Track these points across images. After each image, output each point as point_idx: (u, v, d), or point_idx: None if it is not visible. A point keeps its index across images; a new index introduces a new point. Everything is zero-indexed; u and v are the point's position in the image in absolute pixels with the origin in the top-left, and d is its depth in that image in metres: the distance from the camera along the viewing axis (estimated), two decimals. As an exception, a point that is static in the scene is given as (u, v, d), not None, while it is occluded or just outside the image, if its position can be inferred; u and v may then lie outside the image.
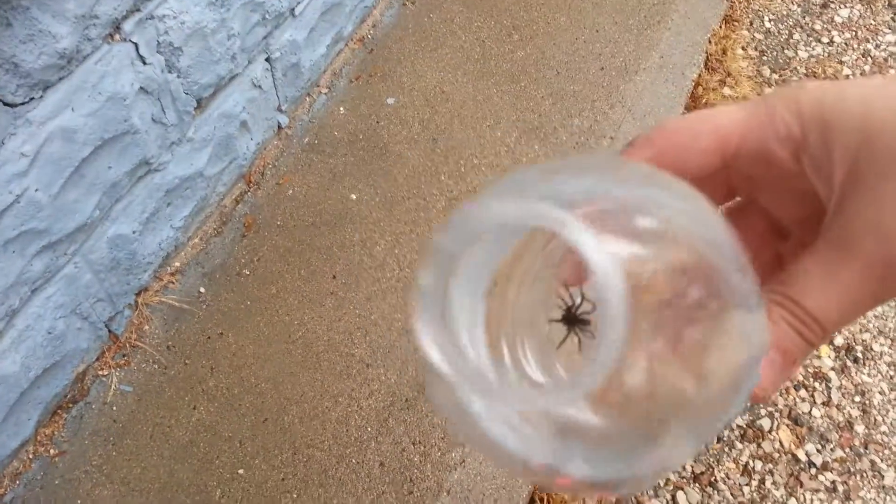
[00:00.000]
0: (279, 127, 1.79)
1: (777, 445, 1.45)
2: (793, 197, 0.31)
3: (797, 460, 1.43)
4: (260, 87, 1.65)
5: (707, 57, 2.16)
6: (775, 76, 2.21)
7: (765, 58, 2.27)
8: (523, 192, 0.25)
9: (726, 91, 2.12)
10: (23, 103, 1.10)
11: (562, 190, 0.25)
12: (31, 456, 1.28)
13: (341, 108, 1.88)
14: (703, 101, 2.07)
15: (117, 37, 1.22)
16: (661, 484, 1.39)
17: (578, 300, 0.34)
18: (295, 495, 1.26)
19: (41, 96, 1.12)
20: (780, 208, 0.33)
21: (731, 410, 0.25)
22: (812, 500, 1.38)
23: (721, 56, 2.20)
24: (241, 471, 1.28)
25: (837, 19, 2.36)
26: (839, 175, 0.28)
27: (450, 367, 0.23)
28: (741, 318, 0.25)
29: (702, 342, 0.25)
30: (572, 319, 0.34)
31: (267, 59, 1.65)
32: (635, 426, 0.26)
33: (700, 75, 2.11)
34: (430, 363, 0.23)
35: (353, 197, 1.68)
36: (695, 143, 0.30)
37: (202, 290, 1.51)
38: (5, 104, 1.07)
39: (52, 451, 1.28)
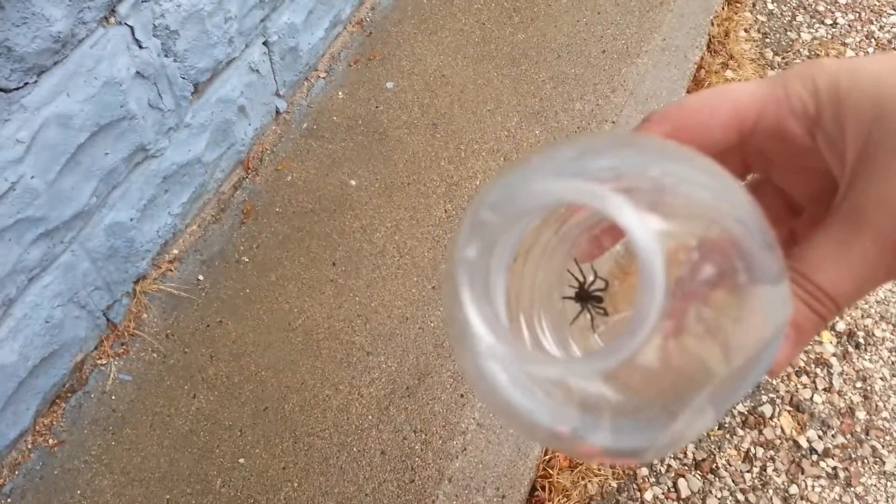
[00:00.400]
0: (277, 112, 1.76)
1: (778, 432, 1.44)
2: (807, 174, 0.31)
3: (798, 447, 1.43)
4: (258, 71, 1.62)
5: (709, 39, 2.14)
6: (778, 59, 2.19)
7: (767, 40, 2.24)
8: (557, 170, 0.25)
9: (729, 74, 2.10)
10: (17, 88, 1.08)
11: (595, 169, 0.25)
12: (29, 446, 1.27)
13: (340, 93, 1.85)
14: (706, 84, 2.05)
15: (112, 20, 1.20)
16: (663, 471, 1.39)
17: (591, 277, 0.34)
18: (296, 484, 1.26)
19: (35, 81, 1.10)
20: (795, 185, 0.33)
21: (751, 382, 0.25)
22: (813, 487, 1.38)
23: (723, 38, 2.17)
24: (241, 460, 1.28)
25: (841, 0, 2.34)
26: (852, 151, 0.28)
27: (494, 336, 0.23)
28: (766, 293, 0.25)
29: (727, 317, 0.26)
30: (585, 296, 0.35)
31: (265, 43, 1.63)
32: (657, 399, 0.27)
33: (702, 58, 2.08)
34: (473, 333, 0.24)
35: (353, 183, 1.67)
36: (712, 120, 0.30)
37: (201, 277, 1.49)
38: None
39: (50, 441, 1.28)
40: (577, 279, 0.35)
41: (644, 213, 0.23)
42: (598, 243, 0.34)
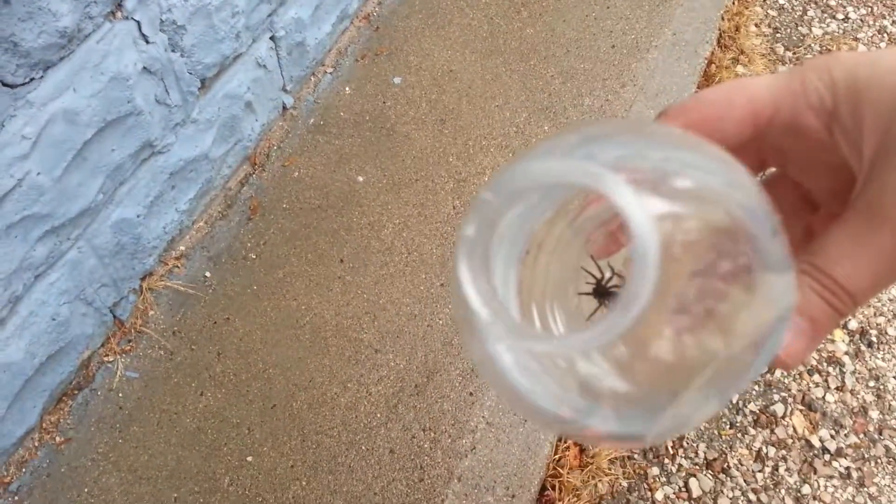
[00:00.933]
0: (284, 107, 1.75)
1: (791, 431, 1.43)
2: (824, 168, 0.31)
3: (811, 446, 1.41)
4: (265, 66, 1.61)
5: (720, 34, 2.12)
6: (789, 53, 2.16)
7: (778, 35, 2.22)
8: (560, 154, 0.26)
9: (739, 69, 2.08)
10: (23, 84, 1.07)
11: (598, 154, 0.25)
12: (36, 444, 1.26)
13: (347, 88, 1.84)
14: (717, 79, 2.02)
15: (119, 14, 1.19)
16: (674, 470, 1.38)
17: (608, 274, 0.34)
18: (304, 482, 1.25)
19: (42, 77, 1.09)
20: (812, 180, 0.32)
21: (754, 369, 0.26)
22: (826, 487, 1.36)
23: (734, 33, 2.15)
24: (249, 458, 1.27)
25: (853, -5, 2.31)
26: (870, 144, 0.27)
27: (488, 310, 0.24)
28: (770, 279, 0.25)
29: (729, 300, 0.26)
30: (602, 292, 0.34)
31: (272, 38, 1.62)
32: (659, 382, 0.27)
33: (713, 53, 2.06)
34: (469, 307, 0.24)
35: (360, 179, 1.66)
36: (728, 113, 0.29)
37: (208, 274, 1.48)
38: (5, 84, 1.04)
39: (57, 439, 1.27)
40: (593, 275, 0.34)
41: (642, 194, 0.23)
42: (615, 239, 0.34)
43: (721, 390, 0.25)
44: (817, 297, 0.27)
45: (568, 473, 1.29)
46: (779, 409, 1.46)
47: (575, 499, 1.28)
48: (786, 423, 1.44)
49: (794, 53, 2.17)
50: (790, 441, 1.42)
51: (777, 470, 1.39)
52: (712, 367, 0.25)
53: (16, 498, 1.22)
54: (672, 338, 0.26)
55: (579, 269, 0.35)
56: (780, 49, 2.18)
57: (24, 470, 1.24)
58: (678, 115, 0.30)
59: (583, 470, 1.32)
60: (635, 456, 1.38)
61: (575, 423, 0.27)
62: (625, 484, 1.35)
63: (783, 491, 1.36)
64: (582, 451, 1.35)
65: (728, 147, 0.29)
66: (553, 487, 1.28)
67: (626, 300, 0.22)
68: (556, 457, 1.31)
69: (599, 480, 1.33)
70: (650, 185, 0.24)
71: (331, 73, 1.86)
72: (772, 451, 1.41)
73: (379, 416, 1.32)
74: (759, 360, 0.25)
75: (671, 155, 0.26)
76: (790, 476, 1.38)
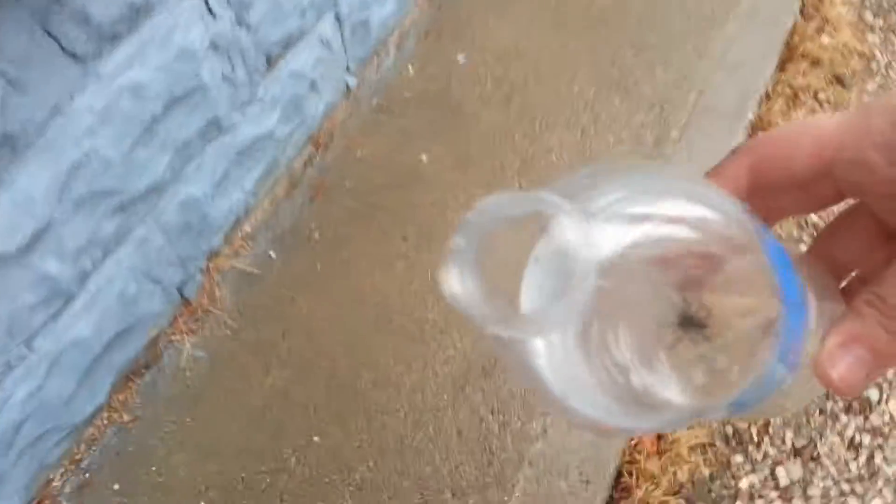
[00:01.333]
0: (347, 87, 1.73)
1: (886, 418, 1.33)
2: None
3: (911, 436, 1.31)
4: (329, 45, 1.59)
5: (802, 3, 2.00)
6: (879, 21, 2.02)
7: (866, 2, 2.08)
8: (558, 189, 0.28)
9: (825, 39, 1.95)
10: (93, 57, 1.07)
11: (576, 186, 0.28)
12: (105, 422, 1.27)
13: (410, 68, 1.81)
14: (800, 50, 1.91)
15: (185, -11, 1.18)
16: (759, 458, 1.29)
17: (692, 306, 0.36)
18: (371, 463, 1.22)
19: (110, 50, 1.09)
20: (888, 212, 0.33)
21: (756, 369, 0.28)
22: (930, 480, 1.26)
23: (818, 2, 2.03)
24: (315, 437, 1.25)
25: (949, -44, 2.14)
26: None
27: (465, 302, 0.26)
28: (758, 291, 0.28)
29: (727, 310, 0.28)
30: (686, 323, 0.36)
31: (336, 17, 1.59)
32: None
33: (796, 23, 1.95)
34: (457, 305, 0.27)
35: (424, 158, 1.62)
36: (797, 146, 0.31)
37: (272, 254, 1.47)
38: (76, 58, 1.04)
39: (126, 418, 1.28)
40: (675, 305, 0.35)
41: (606, 219, 0.26)
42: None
43: (710, 393, 0.27)
44: (881, 329, 0.28)
45: (646, 460, 1.23)
46: (873, 394, 1.35)
47: (653, 486, 1.21)
48: (881, 410, 1.34)
49: (885, 21, 2.03)
50: (887, 429, 1.32)
51: (873, 459, 1.29)
52: (699, 368, 0.27)
53: (86, 476, 1.23)
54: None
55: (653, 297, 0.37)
56: (869, 16, 2.04)
57: (93, 448, 1.25)
58: (748, 152, 0.32)
59: (661, 457, 1.25)
60: (717, 443, 1.31)
61: (593, 419, 0.29)
62: (706, 472, 1.27)
63: (881, 482, 1.26)
64: (659, 437, 1.28)
65: (800, 180, 0.31)
66: (630, 474, 1.22)
67: (563, 305, 0.24)
68: (633, 442, 1.25)
69: (679, 468, 1.26)
70: (628, 214, 0.27)
71: (394, 53, 1.83)
72: (866, 439, 1.31)
73: (446, 397, 1.28)
74: (759, 365, 0.27)
75: (657, 185, 0.28)
76: (888, 466, 1.28)
